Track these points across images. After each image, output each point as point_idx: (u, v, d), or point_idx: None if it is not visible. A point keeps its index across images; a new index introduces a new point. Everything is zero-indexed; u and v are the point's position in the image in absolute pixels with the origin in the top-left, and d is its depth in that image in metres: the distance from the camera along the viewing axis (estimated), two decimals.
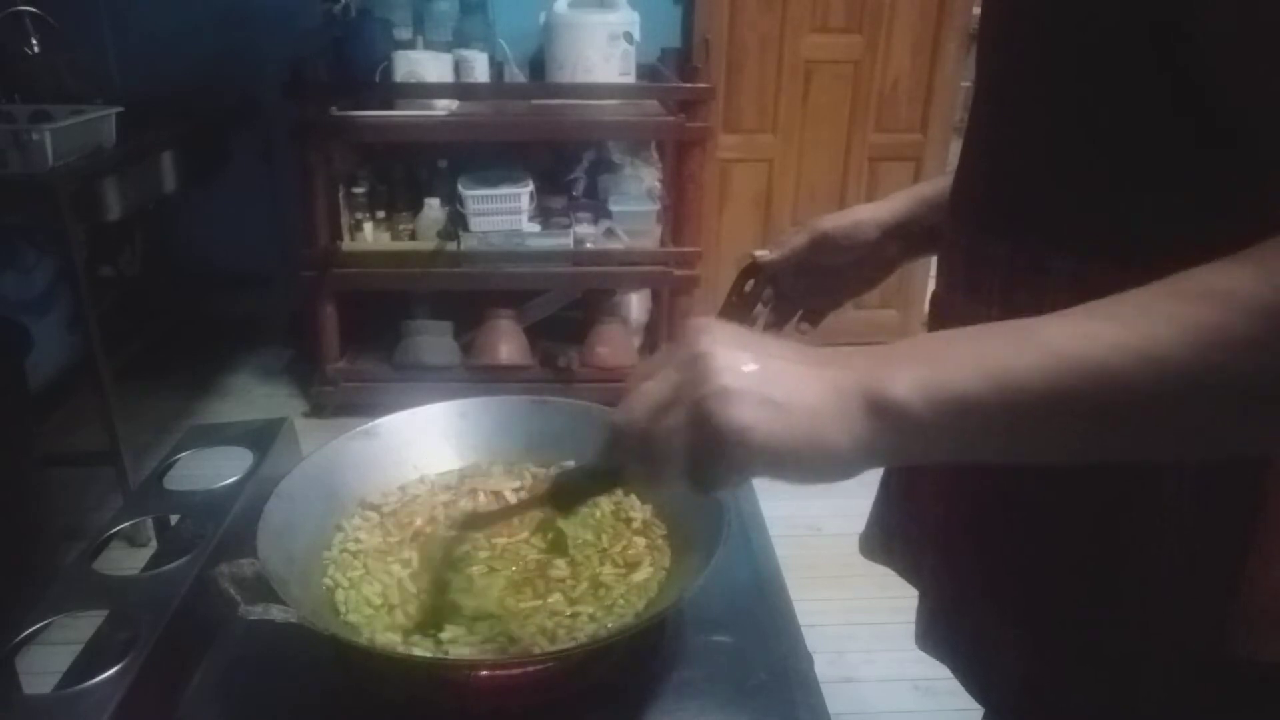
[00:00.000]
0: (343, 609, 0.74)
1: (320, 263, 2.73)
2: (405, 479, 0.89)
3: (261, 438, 1.02)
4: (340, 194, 2.79)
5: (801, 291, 0.88)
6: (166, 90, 2.72)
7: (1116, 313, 0.43)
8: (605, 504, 0.86)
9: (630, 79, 2.78)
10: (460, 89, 2.75)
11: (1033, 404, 0.42)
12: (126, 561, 0.96)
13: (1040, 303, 0.49)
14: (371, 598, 0.75)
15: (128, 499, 1.65)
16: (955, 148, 3.14)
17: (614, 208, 2.83)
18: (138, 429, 2.35)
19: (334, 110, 2.67)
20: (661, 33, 3.03)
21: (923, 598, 0.77)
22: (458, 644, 0.69)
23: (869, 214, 0.85)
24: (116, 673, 0.67)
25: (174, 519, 0.93)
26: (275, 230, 3.02)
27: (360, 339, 2.98)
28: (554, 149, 2.93)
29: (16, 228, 2.53)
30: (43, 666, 0.75)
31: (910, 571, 0.78)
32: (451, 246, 2.73)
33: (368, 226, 2.85)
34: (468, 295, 2.88)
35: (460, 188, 2.73)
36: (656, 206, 2.86)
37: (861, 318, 3.07)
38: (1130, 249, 0.50)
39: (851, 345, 0.52)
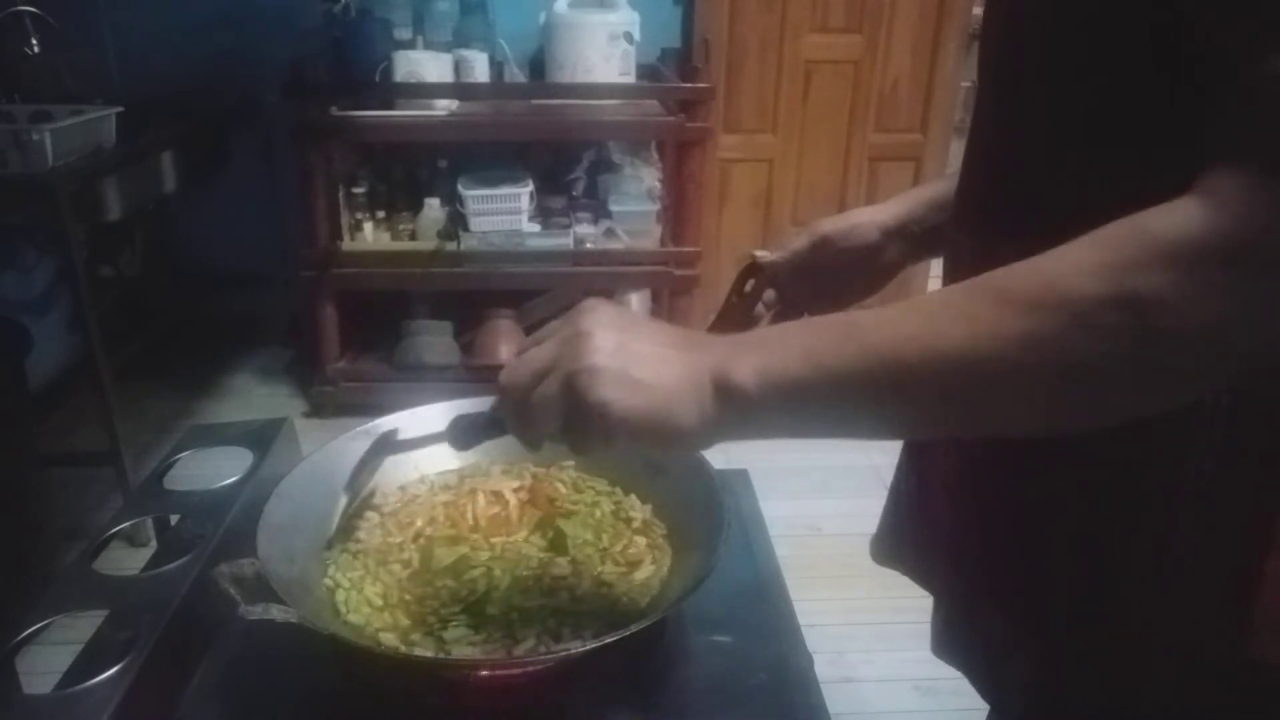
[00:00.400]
0: (343, 609, 0.74)
1: (320, 263, 2.73)
2: (405, 479, 0.89)
3: (261, 438, 1.02)
4: (340, 194, 2.79)
5: (804, 295, 0.88)
6: (166, 90, 2.72)
7: (925, 308, 0.49)
8: (605, 504, 0.86)
9: (630, 79, 2.78)
10: (460, 89, 2.75)
11: (844, 388, 0.48)
12: (126, 561, 0.96)
13: None
14: (372, 598, 0.75)
15: (128, 499, 1.65)
16: (955, 148, 3.15)
17: (614, 208, 2.83)
18: (138, 429, 2.35)
19: (334, 110, 2.67)
20: (661, 33, 3.03)
21: (936, 604, 0.77)
22: (460, 644, 0.69)
23: (869, 216, 0.85)
24: (116, 673, 0.67)
25: (174, 519, 0.93)
26: (275, 230, 3.02)
27: (360, 339, 2.98)
28: (554, 149, 2.93)
29: (16, 228, 2.53)
30: (43, 666, 0.76)
31: (923, 577, 0.78)
32: (451, 246, 2.73)
33: (368, 226, 2.85)
34: (468, 295, 2.88)
35: (460, 188, 2.73)
36: (656, 206, 2.86)
37: None
38: None
39: None
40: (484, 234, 2.72)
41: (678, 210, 2.82)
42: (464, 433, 0.69)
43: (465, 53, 2.72)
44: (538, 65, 2.91)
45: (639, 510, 0.85)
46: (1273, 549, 0.53)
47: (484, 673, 0.70)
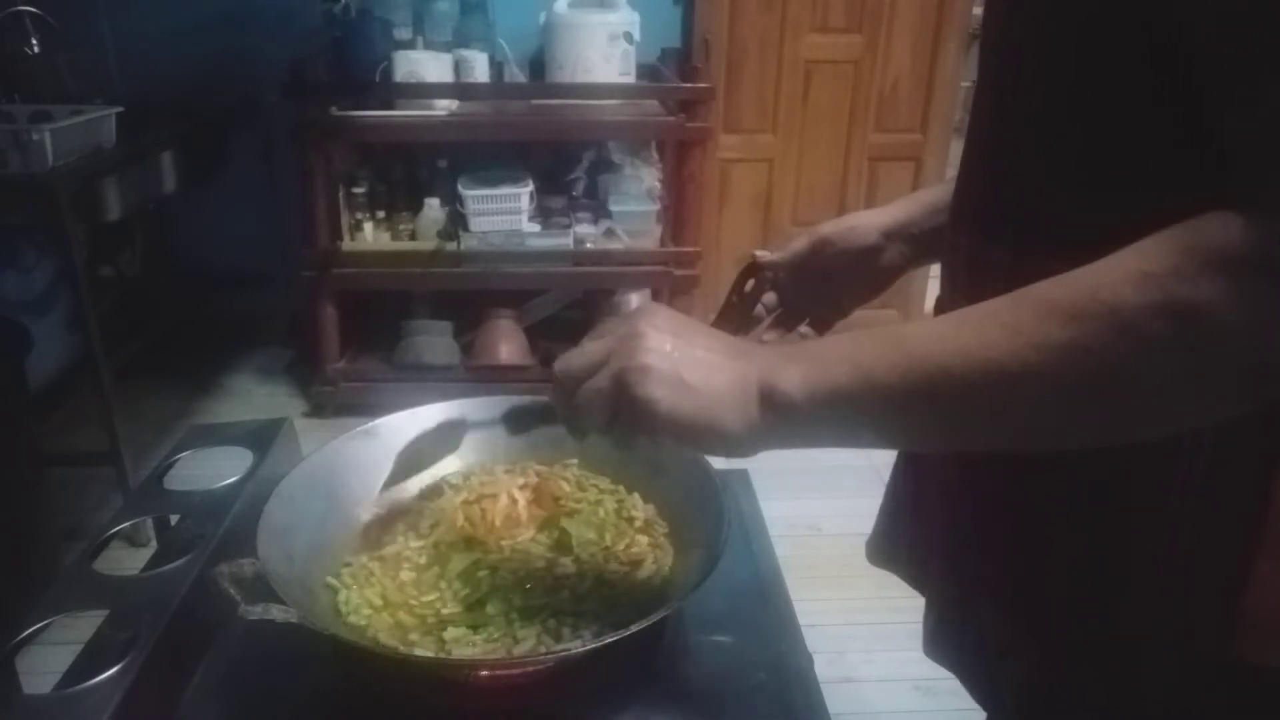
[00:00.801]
0: (344, 609, 0.74)
1: (320, 263, 2.72)
2: (422, 483, 0.89)
3: (261, 438, 1.02)
4: (340, 194, 2.79)
5: (805, 298, 0.88)
6: (166, 90, 2.72)
7: (972, 320, 0.48)
8: (609, 502, 0.86)
9: (630, 79, 2.78)
10: (460, 89, 2.75)
11: (891, 398, 0.49)
12: (126, 561, 0.96)
13: None
14: (373, 599, 0.75)
15: (128, 499, 1.65)
16: (955, 148, 3.15)
17: (614, 208, 2.83)
18: (138, 429, 2.35)
19: (334, 110, 2.66)
20: (661, 33, 3.03)
21: (929, 605, 0.77)
22: (460, 644, 0.69)
23: (868, 218, 0.85)
24: (116, 673, 0.67)
25: (174, 519, 0.93)
26: (275, 230, 3.02)
27: (360, 339, 2.98)
28: (554, 149, 2.93)
29: (16, 228, 2.53)
30: (43, 666, 0.75)
31: (916, 579, 0.78)
32: (451, 246, 2.73)
33: (368, 226, 2.85)
34: (468, 295, 2.88)
35: (460, 188, 2.73)
36: (656, 206, 2.86)
37: (862, 318, 3.03)
38: None
39: None
40: (484, 234, 2.72)
41: (678, 210, 2.82)
42: (518, 419, 0.76)
43: (465, 53, 2.72)
44: (538, 65, 2.91)
45: (641, 509, 0.85)
46: (1262, 550, 0.53)
47: (484, 673, 0.70)
